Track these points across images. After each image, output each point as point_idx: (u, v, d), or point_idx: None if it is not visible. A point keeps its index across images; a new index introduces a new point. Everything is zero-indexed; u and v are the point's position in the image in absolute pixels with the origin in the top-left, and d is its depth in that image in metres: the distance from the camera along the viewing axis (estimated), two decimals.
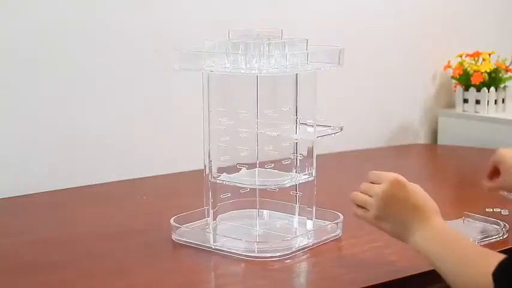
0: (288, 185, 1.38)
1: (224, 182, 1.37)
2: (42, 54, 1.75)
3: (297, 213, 1.43)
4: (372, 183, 1.21)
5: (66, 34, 1.78)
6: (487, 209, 1.54)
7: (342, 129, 1.37)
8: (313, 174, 1.39)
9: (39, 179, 1.76)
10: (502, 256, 1.03)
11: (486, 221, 1.44)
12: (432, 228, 1.14)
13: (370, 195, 1.19)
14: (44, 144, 1.78)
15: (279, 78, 1.39)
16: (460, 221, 1.45)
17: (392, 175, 1.19)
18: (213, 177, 1.38)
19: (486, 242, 1.35)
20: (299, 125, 1.38)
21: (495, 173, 1.44)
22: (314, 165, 1.39)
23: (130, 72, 1.88)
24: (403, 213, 1.16)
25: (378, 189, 1.18)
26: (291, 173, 1.40)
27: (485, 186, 1.46)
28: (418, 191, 1.18)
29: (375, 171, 1.23)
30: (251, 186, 1.39)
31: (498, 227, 1.41)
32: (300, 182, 1.39)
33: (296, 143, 1.39)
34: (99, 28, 1.82)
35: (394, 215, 1.17)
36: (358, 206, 1.22)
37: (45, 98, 1.77)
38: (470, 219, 1.46)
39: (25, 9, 1.72)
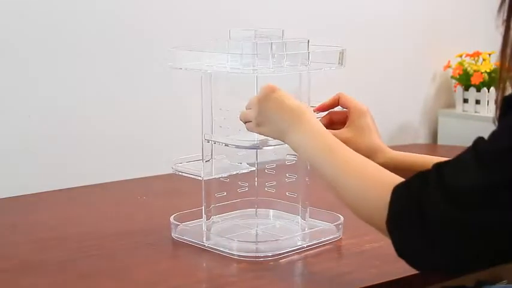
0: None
1: (219, 143, 1.36)
2: (42, 54, 1.76)
3: (300, 213, 1.43)
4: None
5: (66, 36, 1.78)
6: None
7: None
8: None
9: (39, 179, 1.76)
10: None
11: None
12: (308, 123, 1.15)
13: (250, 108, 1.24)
14: (44, 144, 1.78)
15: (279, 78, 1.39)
16: None
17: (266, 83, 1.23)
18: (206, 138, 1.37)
19: None
20: None
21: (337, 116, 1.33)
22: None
23: (131, 72, 1.88)
24: (278, 113, 1.18)
25: (254, 98, 1.22)
26: None
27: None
28: (290, 95, 1.20)
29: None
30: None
31: None
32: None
33: None
34: (98, 28, 1.82)
35: (270, 116, 1.19)
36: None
37: (45, 98, 1.77)
38: None
39: (25, 7, 1.72)
